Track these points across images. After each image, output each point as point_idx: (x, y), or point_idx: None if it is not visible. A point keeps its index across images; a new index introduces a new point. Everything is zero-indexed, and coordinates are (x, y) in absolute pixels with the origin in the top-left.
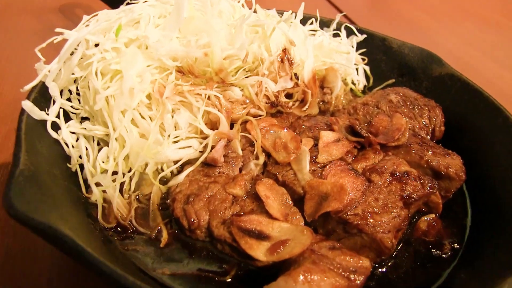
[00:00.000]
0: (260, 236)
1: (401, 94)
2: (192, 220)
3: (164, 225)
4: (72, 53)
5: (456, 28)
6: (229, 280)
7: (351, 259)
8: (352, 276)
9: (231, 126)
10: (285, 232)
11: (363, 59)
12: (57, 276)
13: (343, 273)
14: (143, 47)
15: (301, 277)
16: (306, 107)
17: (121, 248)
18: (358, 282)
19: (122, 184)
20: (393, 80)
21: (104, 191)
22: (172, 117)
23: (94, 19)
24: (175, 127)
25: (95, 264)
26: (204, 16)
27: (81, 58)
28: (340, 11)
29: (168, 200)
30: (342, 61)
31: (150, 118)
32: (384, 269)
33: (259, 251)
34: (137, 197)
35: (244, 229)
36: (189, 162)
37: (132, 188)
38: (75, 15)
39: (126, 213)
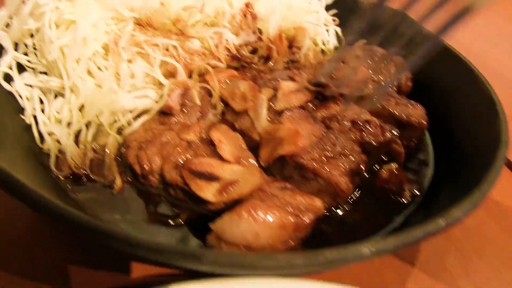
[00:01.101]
0: (210, 178)
1: (368, 50)
2: (144, 165)
3: (118, 174)
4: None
5: None
6: (181, 223)
7: (302, 199)
8: (301, 215)
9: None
10: (236, 173)
11: (334, 20)
12: None
13: (291, 210)
14: None
15: (245, 212)
16: (271, 63)
17: (73, 195)
18: (307, 221)
19: (79, 135)
20: (364, 41)
21: (58, 142)
22: (129, 67)
23: None
24: (131, 77)
25: (43, 204)
26: None
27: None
28: None
29: (122, 148)
30: (311, 20)
31: (106, 68)
32: (341, 213)
33: (209, 192)
34: (93, 147)
35: (194, 172)
36: (146, 112)
37: (89, 138)
38: None
39: (81, 163)
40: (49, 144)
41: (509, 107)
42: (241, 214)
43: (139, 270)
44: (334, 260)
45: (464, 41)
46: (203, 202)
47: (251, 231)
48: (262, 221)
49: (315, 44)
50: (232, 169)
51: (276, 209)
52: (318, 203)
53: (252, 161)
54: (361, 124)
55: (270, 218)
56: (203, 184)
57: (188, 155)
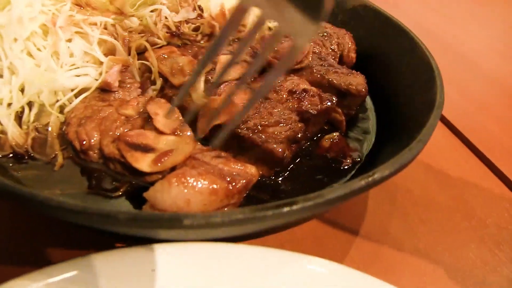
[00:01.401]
0: (146, 149)
1: None
2: (83, 140)
3: (60, 151)
4: None
5: None
6: (119, 195)
7: (235, 165)
8: (232, 180)
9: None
10: (170, 144)
11: None
12: None
13: (223, 176)
14: None
15: (175, 178)
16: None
17: (13, 172)
18: (239, 185)
19: (22, 117)
20: None
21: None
22: (68, 47)
23: None
24: (70, 56)
25: None
26: None
27: None
28: None
29: (63, 127)
30: None
31: (45, 48)
32: (280, 181)
33: (144, 163)
34: (36, 127)
35: (130, 144)
36: (86, 91)
37: (31, 119)
38: None
39: (23, 142)
40: None
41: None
42: (171, 181)
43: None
44: (252, 218)
45: (413, 14)
46: (140, 173)
47: (182, 197)
48: (192, 186)
49: None
50: (167, 139)
51: (207, 175)
52: (251, 169)
53: (189, 133)
54: (298, 93)
55: (200, 183)
56: (139, 155)
57: (125, 129)
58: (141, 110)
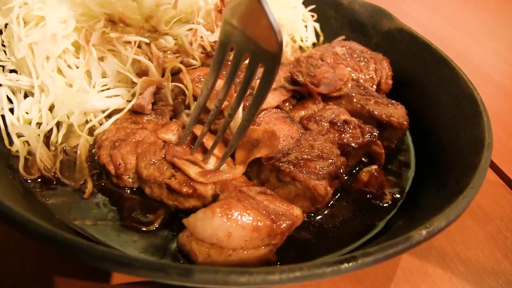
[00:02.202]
0: (194, 163)
1: (347, 46)
2: (118, 164)
3: (90, 177)
4: None
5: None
6: (154, 230)
7: (281, 205)
8: (277, 219)
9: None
10: (218, 164)
11: (313, 16)
12: None
13: (268, 214)
14: None
15: (219, 208)
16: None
17: (42, 199)
18: (284, 225)
19: (49, 137)
20: (343, 37)
21: (28, 143)
22: (100, 66)
23: None
24: (103, 76)
25: (6, 213)
26: None
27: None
28: None
29: (94, 149)
30: (289, 16)
31: (77, 66)
32: (319, 219)
33: (192, 171)
34: (64, 149)
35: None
36: (117, 112)
37: (60, 140)
38: None
39: (51, 165)
40: (18, 146)
41: (490, 106)
42: (214, 210)
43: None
44: (311, 275)
45: (445, 36)
46: (178, 194)
47: (224, 229)
48: (236, 219)
49: (294, 40)
50: (215, 161)
51: (252, 210)
52: (297, 211)
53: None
54: (339, 124)
55: (244, 218)
56: (189, 164)
57: (163, 154)
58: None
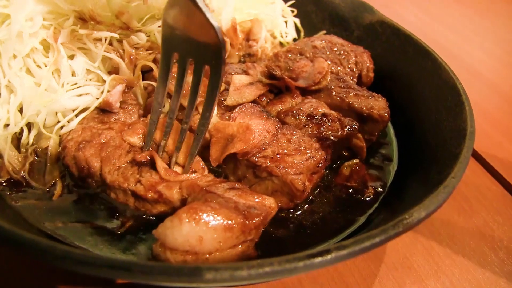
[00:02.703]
0: None
1: (327, 40)
2: (82, 167)
3: (60, 178)
4: None
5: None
6: (123, 231)
7: (252, 198)
8: (249, 214)
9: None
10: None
11: (292, 11)
12: None
13: (239, 211)
14: None
15: (186, 214)
16: (225, 56)
17: (11, 202)
18: (257, 219)
19: (20, 138)
20: (325, 32)
21: None
22: (69, 64)
23: None
24: (72, 75)
25: None
26: None
27: None
28: None
29: (59, 149)
30: (268, 12)
31: (46, 65)
32: (299, 215)
33: (160, 167)
34: (35, 150)
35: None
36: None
37: (30, 141)
38: None
39: (20, 167)
40: None
41: (477, 100)
42: (181, 217)
43: None
44: (282, 270)
45: (436, 35)
46: (144, 200)
47: (193, 234)
48: (205, 222)
49: (273, 36)
50: (180, 170)
51: (221, 209)
52: (269, 201)
53: (201, 164)
54: (318, 117)
55: (213, 219)
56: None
57: (128, 159)
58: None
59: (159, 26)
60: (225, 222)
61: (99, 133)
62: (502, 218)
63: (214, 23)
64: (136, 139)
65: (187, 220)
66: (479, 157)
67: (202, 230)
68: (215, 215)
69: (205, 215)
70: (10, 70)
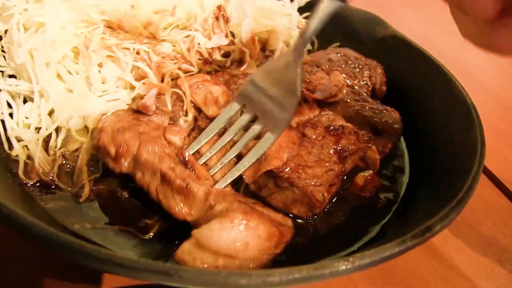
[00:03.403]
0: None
1: (342, 53)
2: (121, 145)
3: (88, 181)
4: None
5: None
6: (151, 236)
7: (278, 215)
8: (282, 228)
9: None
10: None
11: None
12: None
13: (275, 223)
14: None
15: (240, 217)
16: (244, 67)
17: (42, 203)
18: (289, 234)
19: (48, 142)
20: (338, 44)
21: (27, 148)
22: (100, 72)
23: None
24: (102, 82)
25: (11, 217)
26: None
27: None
28: None
29: (94, 133)
30: (284, 23)
31: (77, 72)
32: (315, 223)
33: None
34: (63, 154)
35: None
36: None
37: (58, 145)
38: None
39: (49, 169)
40: (17, 150)
41: (481, 110)
42: (234, 219)
43: (112, 281)
44: (310, 277)
45: (440, 44)
46: (168, 184)
47: (241, 239)
48: (253, 228)
49: (289, 47)
50: None
51: (265, 219)
52: (290, 222)
53: None
54: (336, 130)
55: (261, 227)
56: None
57: (169, 150)
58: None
59: (184, 37)
60: (268, 232)
61: (138, 124)
62: (509, 230)
63: (298, 97)
64: (177, 139)
65: (239, 222)
66: (485, 170)
67: (250, 235)
68: (262, 224)
69: (253, 222)
70: (43, 76)
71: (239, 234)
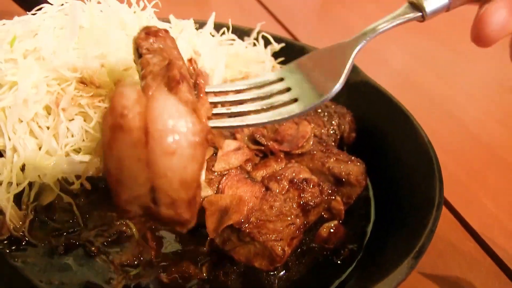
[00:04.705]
0: None
1: None
2: None
3: (59, 236)
4: None
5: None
6: None
7: None
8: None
9: None
10: None
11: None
12: None
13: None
14: (41, 58)
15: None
16: None
17: (11, 260)
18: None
19: (21, 194)
20: None
21: None
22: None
23: None
24: (70, 136)
25: None
26: (105, 27)
27: None
28: (283, 26)
29: None
30: (258, 70)
31: (48, 127)
32: (275, 279)
33: None
34: (35, 207)
35: None
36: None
37: (31, 199)
38: None
39: (20, 224)
40: None
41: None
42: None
43: None
44: None
45: (420, 79)
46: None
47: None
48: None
49: None
50: None
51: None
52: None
53: None
54: (299, 183)
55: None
56: None
57: None
58: None
59: None
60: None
61: None
62: (474, 275)
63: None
64: None
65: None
66: (453, 210)
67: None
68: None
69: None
70: (15, 135)
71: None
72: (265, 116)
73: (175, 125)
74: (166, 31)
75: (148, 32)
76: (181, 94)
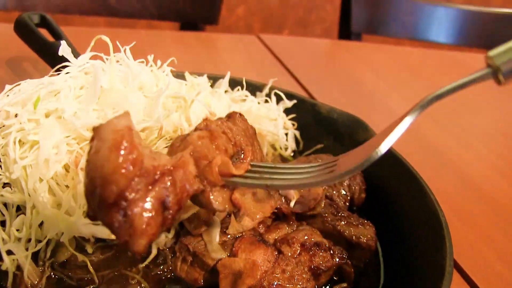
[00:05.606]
0: None
1: (322, 160)
2: None
3: None
4: None
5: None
6: None
7: None
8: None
9: None
10: None
11: (293, 124)
12: None
13: None
14: (62, 118)
15: None
16: None
17: None
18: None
19: (38, 251)
20: (322, 145)
21: (17, 260)
22: None
23: (16, 89)
24: None
25: None
26: (124, 88)
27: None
28: (298, 81)
29: None
30: (270, 127)
31: (67, 186)
32: None
33: None
34: (52, 264)
35: None
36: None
37: (48, 255)
38: (22, 69)
39: (37, 281)
40: (7, 263)
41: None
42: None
43: None
44: None
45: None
46: None
47: None
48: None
49: (274, 148)
50: None
51: None
52: None
53: None
54: (311, 247)
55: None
56: None
57: None
58: None
59: None
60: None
61: None
62: None
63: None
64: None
65: None
66: (462, 271)
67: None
68: None
69: None
70: (35, 193)
71: None
72: (291, 179)
73: None
74: None
75: None
76: None
